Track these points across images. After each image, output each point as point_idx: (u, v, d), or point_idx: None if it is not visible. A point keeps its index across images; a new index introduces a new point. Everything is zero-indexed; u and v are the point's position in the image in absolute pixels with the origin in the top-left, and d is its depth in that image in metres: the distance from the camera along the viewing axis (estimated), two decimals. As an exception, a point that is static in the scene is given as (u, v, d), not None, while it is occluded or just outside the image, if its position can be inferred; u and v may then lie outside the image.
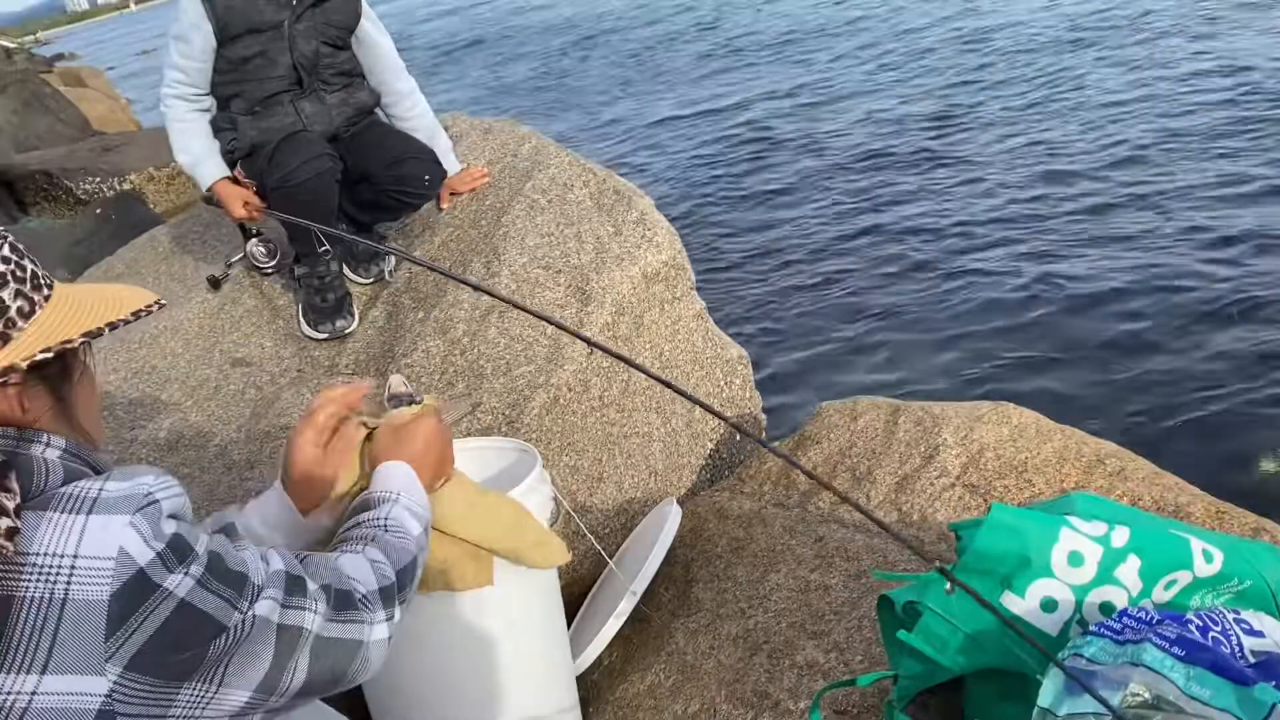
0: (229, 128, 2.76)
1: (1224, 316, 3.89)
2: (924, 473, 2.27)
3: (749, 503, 2.58)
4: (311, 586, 1.09)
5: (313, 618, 1.06)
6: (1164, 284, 4.24)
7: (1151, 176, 5.37)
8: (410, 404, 1.62)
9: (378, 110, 3.03)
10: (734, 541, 2.44)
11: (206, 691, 0.95)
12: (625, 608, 2.27)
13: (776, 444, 2.78)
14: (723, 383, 3.09)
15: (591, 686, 2.35)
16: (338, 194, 2.79)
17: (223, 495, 2.56)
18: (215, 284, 3.14)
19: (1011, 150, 6.26)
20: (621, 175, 3.29)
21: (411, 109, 3.02)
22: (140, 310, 1.11)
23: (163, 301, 1.17)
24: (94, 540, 0.90)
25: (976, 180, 5.92)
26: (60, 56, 25.47)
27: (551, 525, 2.11)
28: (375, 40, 2.93)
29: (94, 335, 1.04)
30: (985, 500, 2.12)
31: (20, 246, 1.03)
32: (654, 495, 2.79)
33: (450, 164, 3.08)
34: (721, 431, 3.05)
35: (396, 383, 1.72)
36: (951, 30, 10.16)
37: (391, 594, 1.21)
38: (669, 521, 2.46)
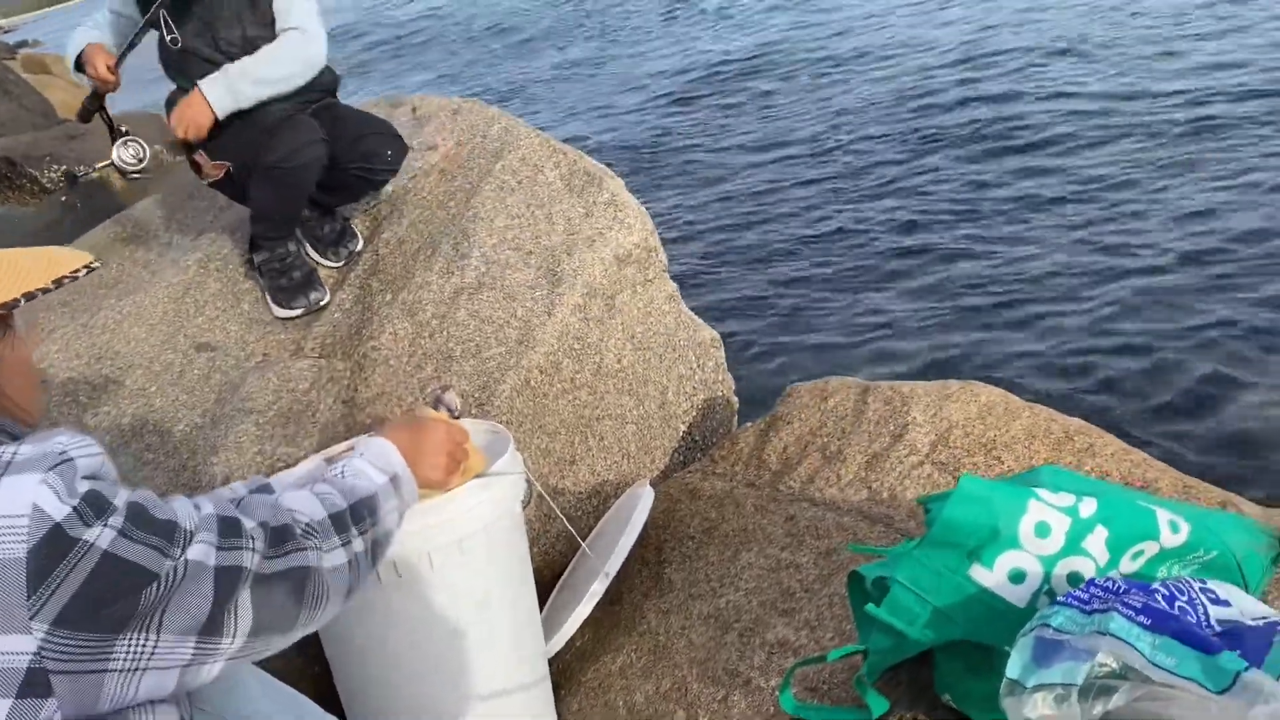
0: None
1: (1192, 294, 3.93)
2: (893, 451, 2.27)
3: (721, 483, 2.57)
4: (248, 525, 1.07)
5: (251, 556, 1.04)
6: (1131, 263, 4.26)
7: (1122, 159, 5.39)
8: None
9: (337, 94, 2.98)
10: (706, 522, 2.43)
11: (146, 641, 0.94)
12: (598, 589, 2.26)
13: (749, 425, 2.78)
14: (696, 365, 3.08)
15: (564, 669, 2.34)
16: None
17: (187, 481, 2.52)
18: (72, 180, 3.07)
19: (985, 134, 6.25)
20: (591, 154, 3.27)
21: None
22: (79, 269, 1.09)
23: (96, 264, 1.15)
24: (7, 500, 0.89)
25: (947, 159, 5.92)
26: (24, 44, 25.05)
27: (524, 507, 2.10)
28: None
29: (31, 296, 1.02)
30: (954, 477, 2.12)
31: None
32: (627, 478, 2.78)
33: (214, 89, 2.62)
34: (694, 414, 3.04)
35: (450, 397, 1.80)
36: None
37: (345, 520, 1.19)
38: (641, 503, 2.45)
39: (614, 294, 2.86)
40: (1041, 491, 1.33)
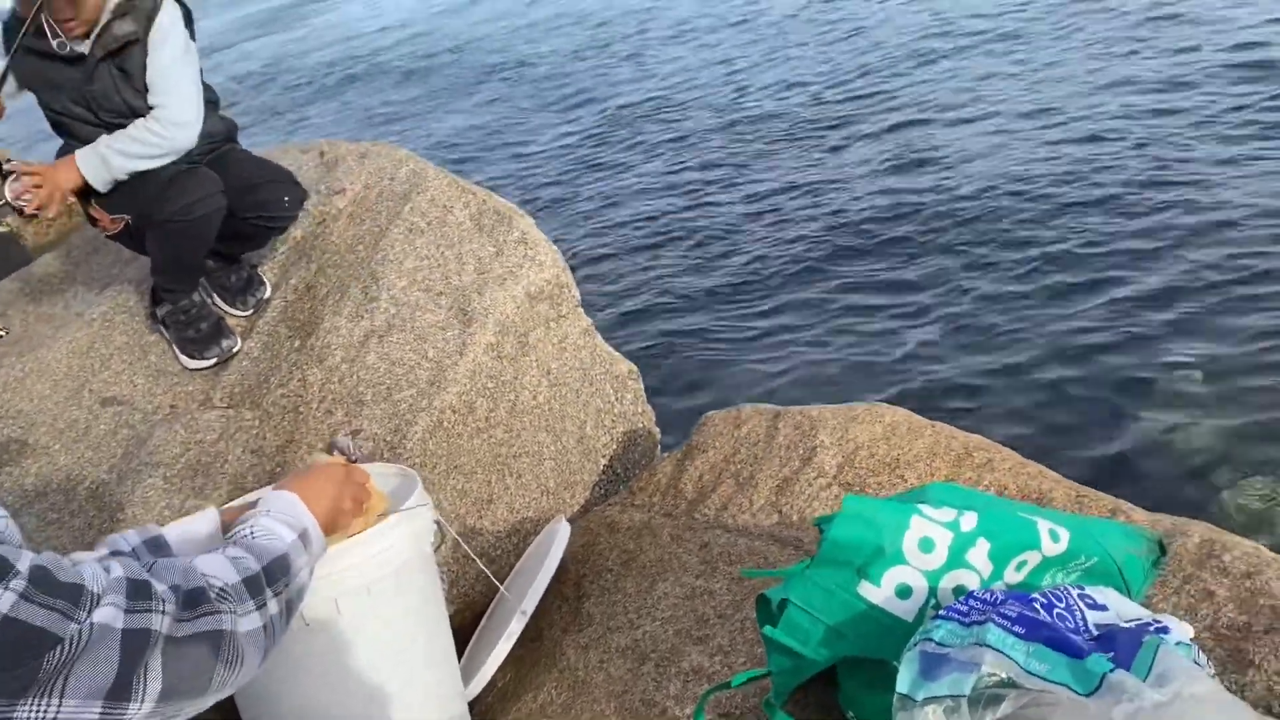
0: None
1: (1082, 304, 4.08)
2: (803, 474, 2.30)
3: (639, 515, 2.58)
4: (159, 588, 1.05)
5: (161, 619, 1.02)
6: (1028, 286, 4.39)
7: (1019, 182, 5.55)
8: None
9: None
10: (624, 554, 2.44)
11: (48, 706, 0.92)
12: (515, 628, 2.25)
13: (666, 455, 2.80)
14: (614, 399, 3.10)
15: (486, 710, 2.32)
16: None
17: (92, 540, 2.46)
18: None
19: (887, 163, 6.37)
20: (501, 193, 3.29)
21: None
22: None
23: (3, 333, 1.14)
24: None
25: (850, 187, 6.05)
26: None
27: (436, 549, 2.08)
28: None
29: None
30: (861, 497, 2.16)
31: None
32: (547, 514, 2.77)
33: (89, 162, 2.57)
34: (614, 447, 3.05)
35: (342, 440, 1.81)
36: (828, 24, 10.40)
37: (259, 583, 1.18)
38: (557, 539, 2.45)
39: (527, 331, 2.87)
40: (924, 507, 1.37)
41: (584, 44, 13.95)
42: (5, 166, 2.61)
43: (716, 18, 13.01)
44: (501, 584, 2.46)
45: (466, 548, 2.32)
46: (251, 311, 2.98)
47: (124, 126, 2.58)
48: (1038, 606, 1.25)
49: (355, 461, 1.74)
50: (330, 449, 1.77)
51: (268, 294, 2.99)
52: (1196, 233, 4.46)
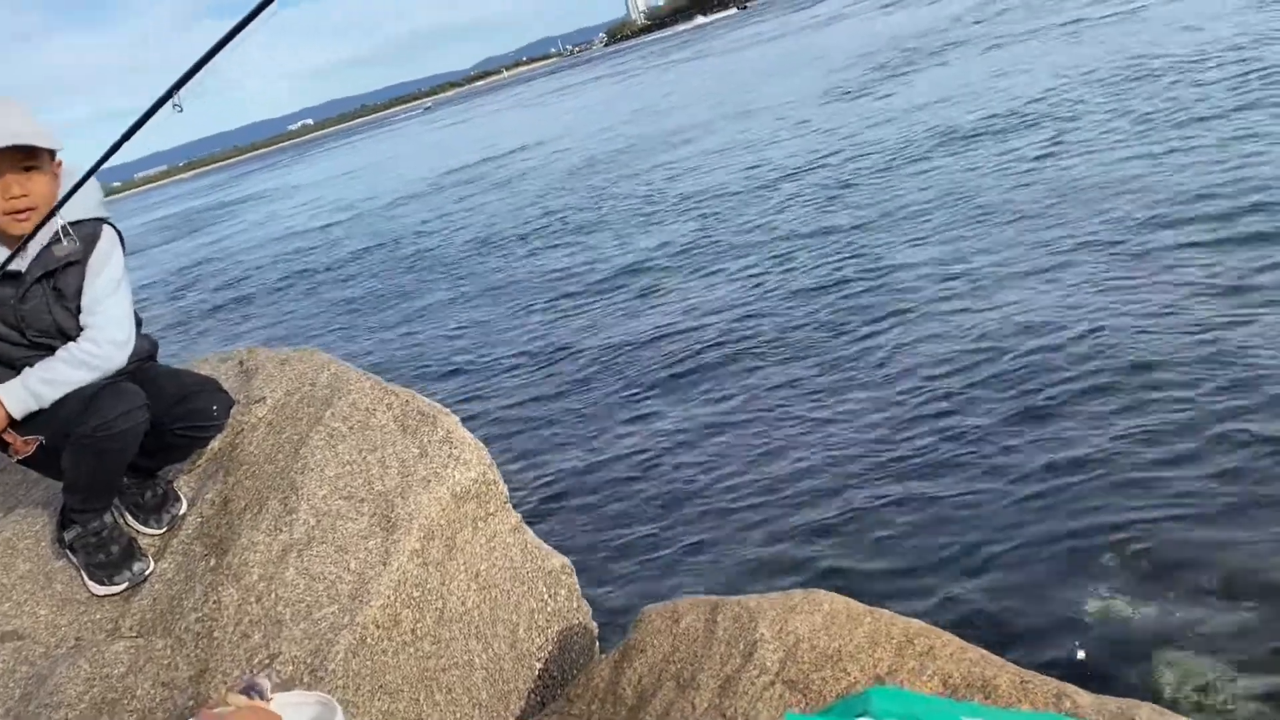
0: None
1: (1015, 476, 4.10)
2: (745, 672, 2.23)
3: (577, 725, 2.46)
4: None
5: None
6: (957, 449, 4.44)
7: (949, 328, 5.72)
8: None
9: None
10: (564, 771, 2.31)
11: None
12: None
13: (604, 657, 2.70)
14: (547, 596, 3.01)
15: None
16: None
17: (-18, 797, 2.26)
18: None
19: (822, 344, 6.51)
20: (427, 393, 3.27)
21: None
22: None
23: None
24: None
25: (767, 371, 6.17)
26: None
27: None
28: None
29: None
30: (804, 696, 2.09)
31: None
32: (480, 730, 2.63)
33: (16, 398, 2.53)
34: (550, 648, 2.94)
35: (260, 680, 1.76)
36: (745, 185, 10.84)
37: None
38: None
39: (454, 533, 2.80)
40: (866, 721, 1.31)
41: (496, 239, 14.39)
42: None
43: (635, 203, 13.56)
44: (434, 813, 2.30)
45: (394, 778, 2.18)
46: (166, 529, 2.87)
47: (49, 347, 2.55)
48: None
49: (269, 699, 1.65)
50: (249, 689, 1.68)
51: (184, 510, 2.89)
52: (1135, 394, 4.50)
